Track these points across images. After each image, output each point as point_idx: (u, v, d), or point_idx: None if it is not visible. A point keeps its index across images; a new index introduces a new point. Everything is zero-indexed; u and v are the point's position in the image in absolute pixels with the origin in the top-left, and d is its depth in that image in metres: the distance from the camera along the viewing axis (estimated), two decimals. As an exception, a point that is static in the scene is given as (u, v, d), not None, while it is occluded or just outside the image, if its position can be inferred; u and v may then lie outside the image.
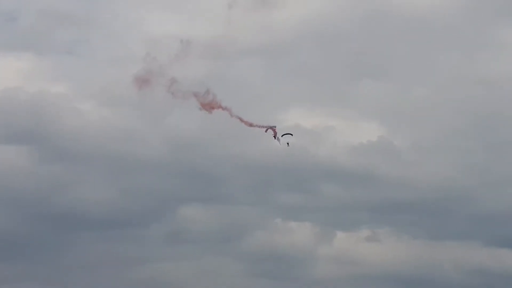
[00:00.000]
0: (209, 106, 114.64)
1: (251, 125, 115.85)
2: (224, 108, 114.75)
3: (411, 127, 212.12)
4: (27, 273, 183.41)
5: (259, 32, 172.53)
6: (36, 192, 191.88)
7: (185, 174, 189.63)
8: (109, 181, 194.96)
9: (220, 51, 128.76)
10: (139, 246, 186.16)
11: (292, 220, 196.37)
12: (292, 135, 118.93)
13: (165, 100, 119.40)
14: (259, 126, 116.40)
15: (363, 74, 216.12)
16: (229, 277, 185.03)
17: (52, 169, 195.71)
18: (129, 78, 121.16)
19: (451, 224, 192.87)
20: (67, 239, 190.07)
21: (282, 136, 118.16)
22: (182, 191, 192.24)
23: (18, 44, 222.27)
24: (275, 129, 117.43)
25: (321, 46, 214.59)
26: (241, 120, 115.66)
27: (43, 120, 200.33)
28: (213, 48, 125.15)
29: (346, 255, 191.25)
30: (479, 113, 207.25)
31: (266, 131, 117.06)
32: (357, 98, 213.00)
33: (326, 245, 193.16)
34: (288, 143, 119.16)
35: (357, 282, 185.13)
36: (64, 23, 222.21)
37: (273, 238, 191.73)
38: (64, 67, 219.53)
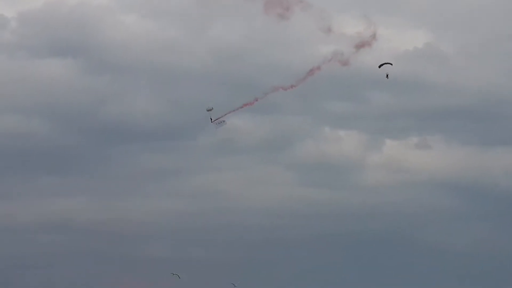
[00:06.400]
0: (280, 6, 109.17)
1: (329, 30, 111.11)
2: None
3: (458, 32, 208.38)
4: (77, 186, 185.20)
5: None
6: (82, 105, 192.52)
7: (231, 84, 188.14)
8: (155, 92, 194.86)
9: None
10: (189, 157, 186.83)
11: (340, 128, 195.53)
12: (391, 64, 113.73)
13: (211, 8, 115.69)
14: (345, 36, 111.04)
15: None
16: (279, 186, 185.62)
17: (97, 82, 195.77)
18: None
19: (502, 129, 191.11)
20: (115, 151, 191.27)
21: (380, 66, 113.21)
22: (229, 101, 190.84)
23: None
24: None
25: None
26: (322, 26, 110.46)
27: (86, 33, 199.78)
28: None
29: (396, 162, 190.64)
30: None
31: (380, 66, 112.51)
32: (402, 5, 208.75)
33: (375, 153, 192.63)
34: (387, 75, 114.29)
35: (407, 189, 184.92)
36: None
37: (322, 147, 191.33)
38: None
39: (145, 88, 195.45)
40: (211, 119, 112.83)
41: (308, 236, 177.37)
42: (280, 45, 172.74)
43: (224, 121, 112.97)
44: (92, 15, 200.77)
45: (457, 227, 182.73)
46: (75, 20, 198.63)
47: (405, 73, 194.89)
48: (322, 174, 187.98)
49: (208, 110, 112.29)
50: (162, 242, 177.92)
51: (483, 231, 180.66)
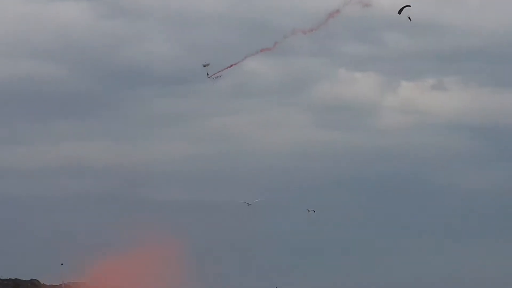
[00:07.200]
0: None
1: None
2: None
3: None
4: (94, 130, 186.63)
5: None
6: (98, 49, 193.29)
7: (246, 27, 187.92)
8: (170, 36, 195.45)
9: None
10: (205, 100, 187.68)
11: (356, 70, 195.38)
12: (410, 6, 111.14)
13: None
14: None
15: None
16: (296, 128, 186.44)
17: (113, 25, 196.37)
18: None
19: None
20: (130, 95, 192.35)
21: (399, 12, 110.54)
22: (245, 44, 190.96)
23: None
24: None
25: None
26: None
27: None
28: None
29: (412, 104, 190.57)
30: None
31: (399, 12, 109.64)
32: None
33: (391, 95, 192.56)
34: (410, 18, 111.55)
35: (423, 131, 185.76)
36: None
37: (338, 88, 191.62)
38: None
39: (160, 32, 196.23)
40: (208, 75, 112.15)
41: (323, 177, 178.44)
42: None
43: (220, 75, 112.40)
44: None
45: (474, 168, 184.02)
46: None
47: (422, 15, 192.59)
48: (337, 116, 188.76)
49: (204, 66, 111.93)
50: (179, 185, 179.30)
51: (500, 172, 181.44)
